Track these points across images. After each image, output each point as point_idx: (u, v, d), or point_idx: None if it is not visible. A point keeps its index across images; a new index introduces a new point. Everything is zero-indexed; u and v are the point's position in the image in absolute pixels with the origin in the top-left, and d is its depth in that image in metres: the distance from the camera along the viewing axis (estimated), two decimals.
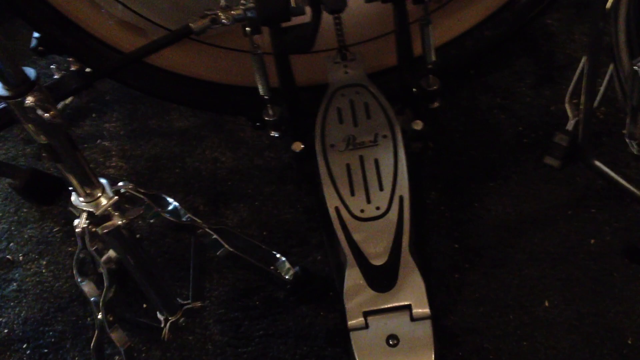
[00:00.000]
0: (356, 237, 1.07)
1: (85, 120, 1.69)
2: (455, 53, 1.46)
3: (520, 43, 1.68)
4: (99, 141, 1.64)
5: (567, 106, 1.37)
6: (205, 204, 1.49)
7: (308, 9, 1.18)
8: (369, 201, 1.09)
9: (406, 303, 1.02)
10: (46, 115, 0.75)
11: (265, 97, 1.17)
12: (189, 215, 1.22)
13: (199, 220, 1.23)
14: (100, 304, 1.03)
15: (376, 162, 1.13)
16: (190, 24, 1.14)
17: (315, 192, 1.15)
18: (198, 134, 1.63)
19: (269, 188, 1.51)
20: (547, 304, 1.27)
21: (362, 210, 1.09)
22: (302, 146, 1.19)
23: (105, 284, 1.02)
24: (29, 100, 0.76)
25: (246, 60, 1.17)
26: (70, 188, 0.93)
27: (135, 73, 1.38)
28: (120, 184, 1.04)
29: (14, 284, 1.42)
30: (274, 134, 1.23)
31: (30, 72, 0.79)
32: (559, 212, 1.38)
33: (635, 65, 0.64)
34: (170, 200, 1.21)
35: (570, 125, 1.39)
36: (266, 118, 1.21)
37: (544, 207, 1.40)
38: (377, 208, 1.09)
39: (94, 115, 1.70)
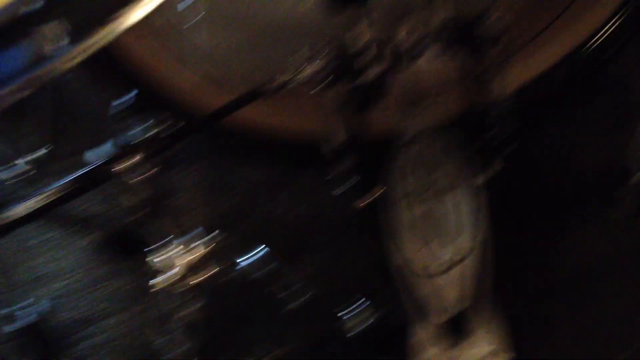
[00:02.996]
0: (424, 291, 1.07)
1: None
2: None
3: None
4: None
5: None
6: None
7: None
8: (437, 254, 1.08)
9: (485, 351, 1.01)
10: None
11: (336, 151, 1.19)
12: None
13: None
14: None
15: (448, 211, 1.12)
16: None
17: (381, 246, 1.15)
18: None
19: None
20: None
21: (428, 265, 1.08)
22: (370, 198, 1.20)
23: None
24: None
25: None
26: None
27: None
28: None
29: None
30: (341, 188, 1.24)
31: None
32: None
33: None
34: None
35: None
36: (335, 171, 1.22)
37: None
38: (447, 259, 1.08)
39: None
